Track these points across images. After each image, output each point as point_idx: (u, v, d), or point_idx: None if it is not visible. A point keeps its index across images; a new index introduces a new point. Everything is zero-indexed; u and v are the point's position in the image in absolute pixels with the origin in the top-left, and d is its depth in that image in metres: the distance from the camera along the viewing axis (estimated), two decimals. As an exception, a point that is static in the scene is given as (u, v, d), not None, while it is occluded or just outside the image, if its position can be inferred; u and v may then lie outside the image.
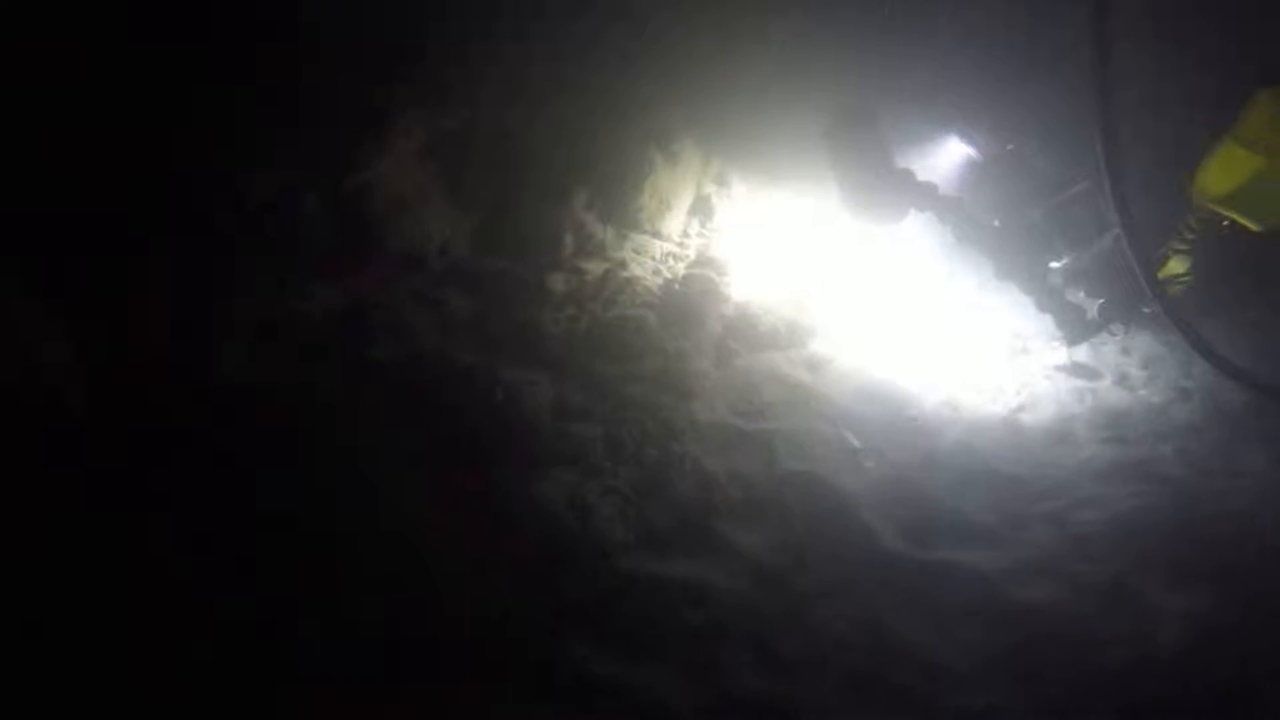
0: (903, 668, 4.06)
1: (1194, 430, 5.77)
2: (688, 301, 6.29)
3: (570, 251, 6.55)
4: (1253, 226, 5.21)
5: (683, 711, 3.79)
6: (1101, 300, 6.06)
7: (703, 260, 7.00)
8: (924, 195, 6.03)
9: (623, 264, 6.61)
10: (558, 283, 6.17)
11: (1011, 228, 5.83)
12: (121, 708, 2.99)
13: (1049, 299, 6.01)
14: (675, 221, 7.38)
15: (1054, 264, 6.05)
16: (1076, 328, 6.05)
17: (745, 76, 7.37)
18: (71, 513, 3.50)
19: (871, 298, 7.18)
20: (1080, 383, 6.43)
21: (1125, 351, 6.61)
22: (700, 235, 7.45)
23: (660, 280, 6.66)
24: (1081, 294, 6.23)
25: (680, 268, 6.96)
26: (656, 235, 7.20)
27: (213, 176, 4.74)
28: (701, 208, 7.65)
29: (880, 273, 7.32)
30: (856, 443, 5.61)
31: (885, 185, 6.01)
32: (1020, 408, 6.22)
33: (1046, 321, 6.59)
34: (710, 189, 7.89)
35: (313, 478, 4.27)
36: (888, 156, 6.09)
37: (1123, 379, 6.39)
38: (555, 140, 7.04)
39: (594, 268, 6.45)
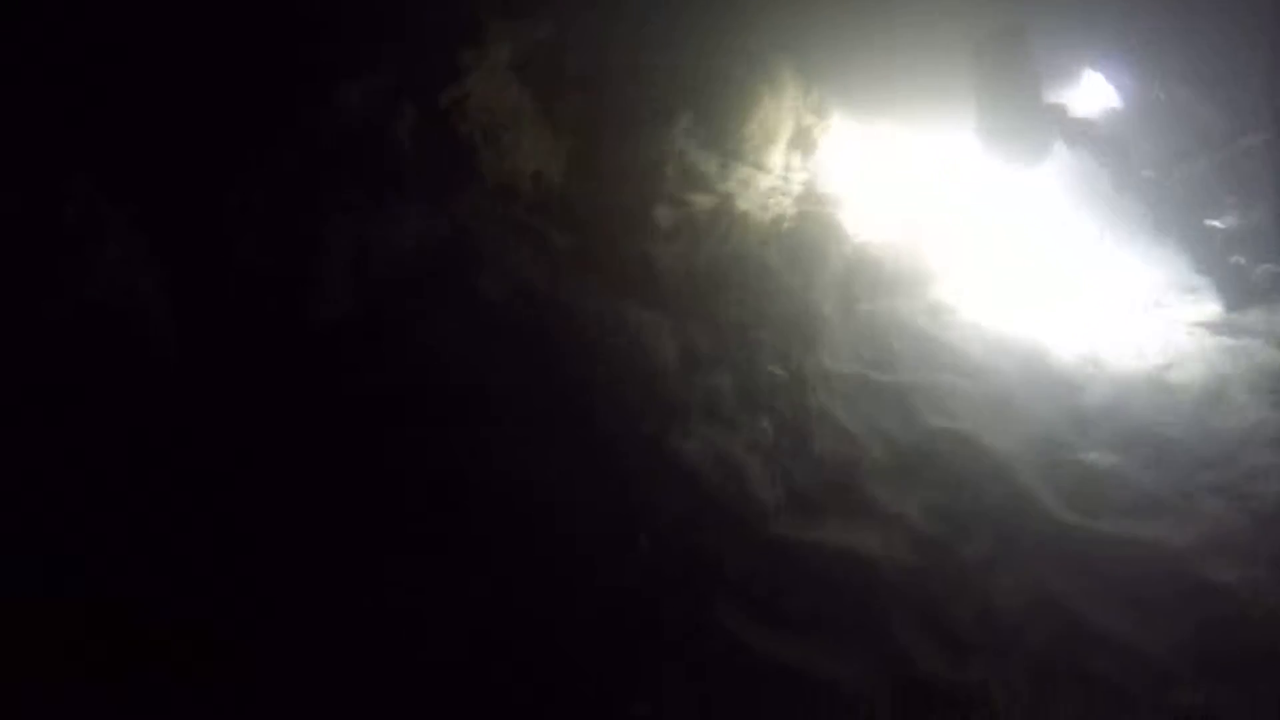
0: (1096, 654, 3.62)
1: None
2: (804, 241, 5.76)
3: (674, 183, 5.98)
4: None
5: (857, 693, 3.39)
6: (1271, 266, 5.45)
7: (811, 196, 6.43)
8: (1081, 132, 5.41)
9: (730, 198, 6.04)
10: (664, 217, 5.62)
11: (1174, 179, 5.27)
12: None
13: (1211, 259, 5.44)
14: (777, 154, 6.78)
15: (1215, 223, 5.45)
16: (1238, 293, 5.48)
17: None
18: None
19: (993, 241, 6.62)
20: (1228, 340, 5.88)
21: (1274, 309, 6.06)
22: (803, 170, 6.85)
23: (770, 216, 6.10)
24: (1242, 259, 5.62)
25: (788, 204, 6.39)
26: (760, 168, 6.61)
27: (313, 88, 4.21)
28: (801, 140, 7.03)
29: (1001, 215, 6.75)
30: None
31: (1037, 115, 5.39)
32: (1166, 365, 5.69)
33: (1186, 277, 6.04)
34: (810, 120, 7.26)
35: (427, 433, 3.80)
36: (1039, 84, 5.46)
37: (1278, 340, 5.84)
38: (653, 60, 6.45)
39: (702, 201, 5.89)
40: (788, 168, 6.83)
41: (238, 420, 3.61)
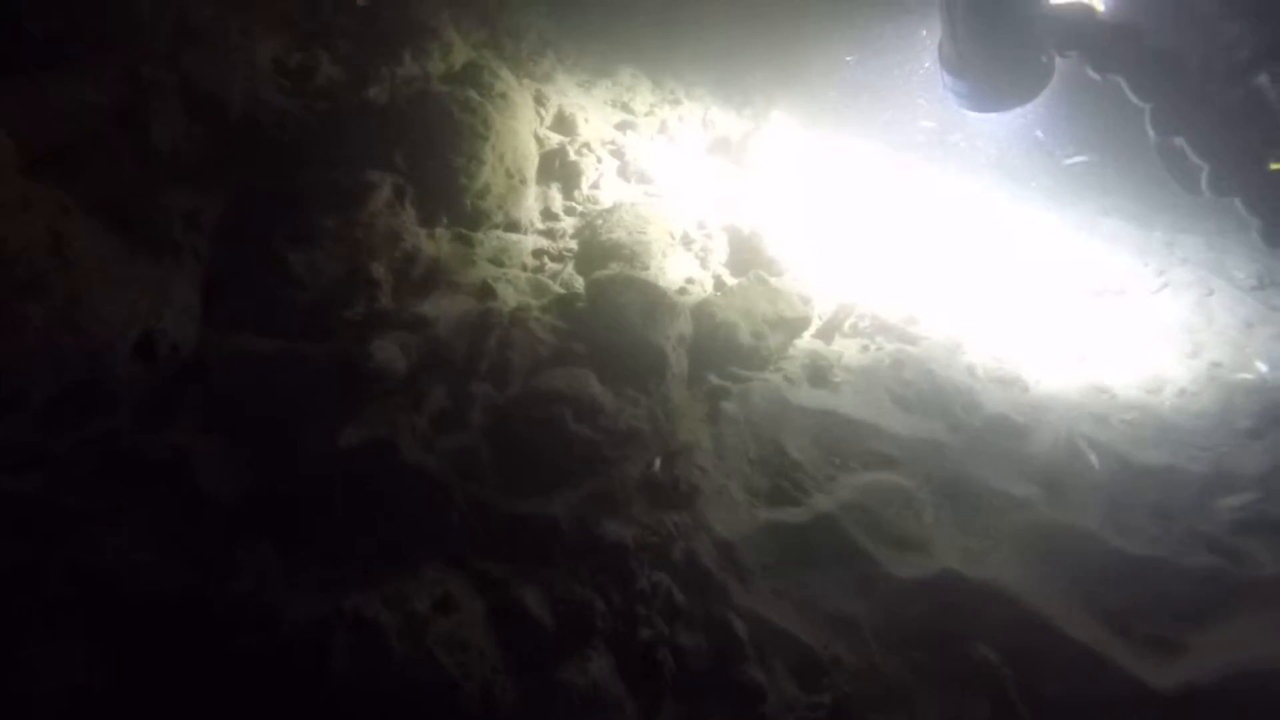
0: None
1: None
2: (611, 322, 3.75)
3: (393, 291, 3.78)
4: None
5: None
6: None
7: (597, 250, 4.46)
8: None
9: (488, 291, 3.93)
10: (390, 358, 3.41)
11: (1226, 97, 3.50)
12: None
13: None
14: (530, 199, 4.75)
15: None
16: None
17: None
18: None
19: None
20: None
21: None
22: (571, 213, 4.87)
23: (550, 299, 4.04)
24: None
25: (568, 270, 4.39)
26: (512, 227, 4.56)
27: None
28: (555, 168, 5.06)
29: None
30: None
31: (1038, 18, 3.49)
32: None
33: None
34: (554, 137, 5.31)
35: None
36: None
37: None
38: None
39: (447, 307, 3.72)
40: (548, 213, 4.82)
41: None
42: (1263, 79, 3.20)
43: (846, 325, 4.62)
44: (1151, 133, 3.42)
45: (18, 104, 3.46)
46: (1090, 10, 3.39)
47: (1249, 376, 4.60)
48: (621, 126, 5.81)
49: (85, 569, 2.65)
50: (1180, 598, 3.37)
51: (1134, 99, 3.42)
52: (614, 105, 6.23)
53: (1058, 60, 3.53)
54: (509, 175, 4.49)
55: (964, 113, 3.98)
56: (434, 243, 4.10)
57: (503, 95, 4.75)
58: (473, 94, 4.55)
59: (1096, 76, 3.44)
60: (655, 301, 3.80)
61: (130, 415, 3.20)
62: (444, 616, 2.48)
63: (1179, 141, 3.36)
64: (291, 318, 3.70)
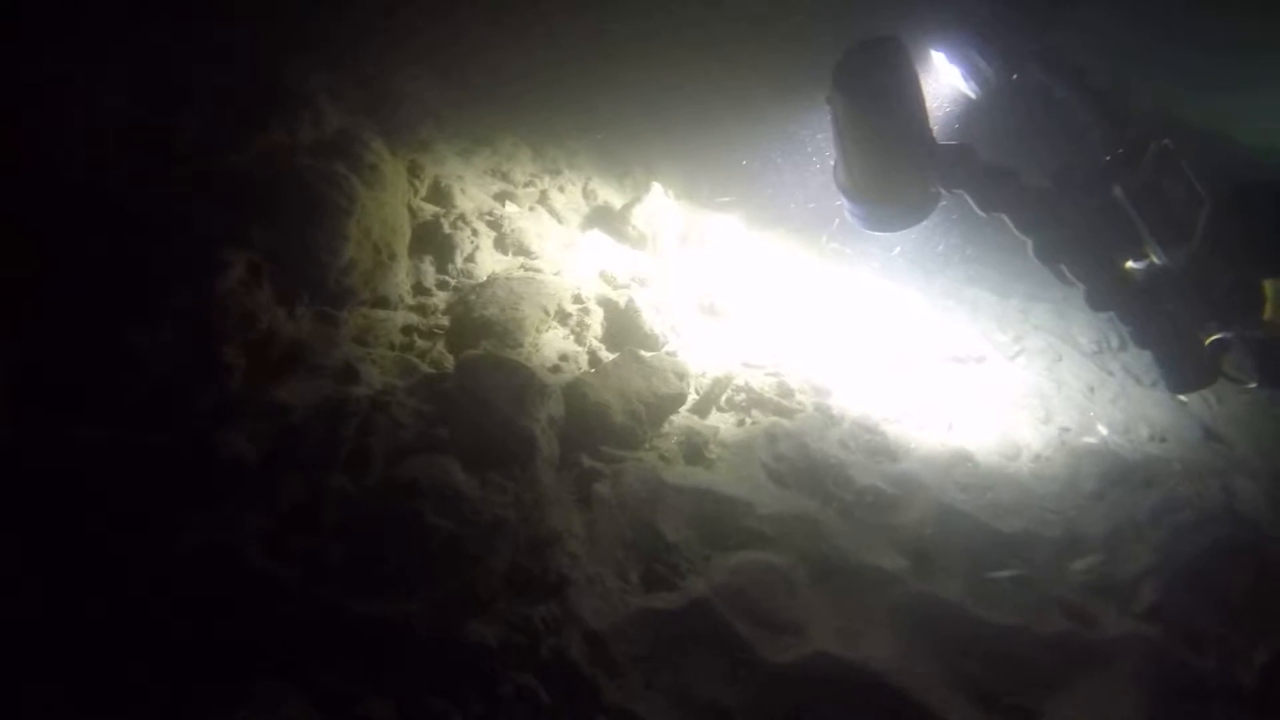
0: None
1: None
2: (490, 415, 3.64)
3: (247, 377, 3.56)
4: None
5: None
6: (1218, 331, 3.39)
7: (469, 327, 4.36)
8: (966, 170, 3.71)
9: (350, 371, 3.76)
10: (239, 450, 3.19)
11: (1081, 213, 3.68)
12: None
13: (1150, 323, 3.50)
14: (398, 274, 4.62)
15: (1132, 264, 3.65)
16: (1190, 370, 3.46)
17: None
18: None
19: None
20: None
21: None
22: (445, 287, 4.76)
23: (415, 379, 3.90)
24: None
25: (438, 348, 4.26)
26: (380, 304, 4.40)
27: None
28: (431, 240, 4.96)
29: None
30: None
31: (921, 158, 3.65)
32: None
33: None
34: (429, 208, 5.22)
35: None
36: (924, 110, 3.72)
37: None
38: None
39: (304, 394, 3.53)
40: (419, 288, 4.70)
41: None
42: (1117, 190, 3.46)
43: (723, 399, 4.65)
44: (1036, 261, 3.64)
45: None
46: (972, 152, 3.61)
47: (1092, 440, 4.88)
48: (500, 196, 5.78)
49: None
50: (1037, 664, 3.48)
51: (1017, 234, 3.65)
52: (493, 174, 6.20)
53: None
54: (376, 250, 4.36)
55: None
56: (294, 323, 3.91)
57: (372, 167, 4.64)
58: (338, 166, 4.42)
59: (982, 214, 3.65)
60: (525, 383, 3.72)
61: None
62: (280, 745, 2.27)
63: (1061, 268, 3.59)
64: (130, 405, 3.44)
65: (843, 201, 4.03)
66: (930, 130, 3.58)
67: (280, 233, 4.02)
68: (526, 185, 6.14)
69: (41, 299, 3.58)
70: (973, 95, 4.28)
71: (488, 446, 3.48)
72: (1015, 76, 4.24)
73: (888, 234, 4.42)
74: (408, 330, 4.34)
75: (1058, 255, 3.63)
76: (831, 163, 4.04)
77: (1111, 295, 3.58)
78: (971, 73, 4.20)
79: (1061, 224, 3.66)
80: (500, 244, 5.27)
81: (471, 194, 5.57)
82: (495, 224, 5.36)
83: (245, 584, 2.77)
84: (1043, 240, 3.64)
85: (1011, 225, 3.69)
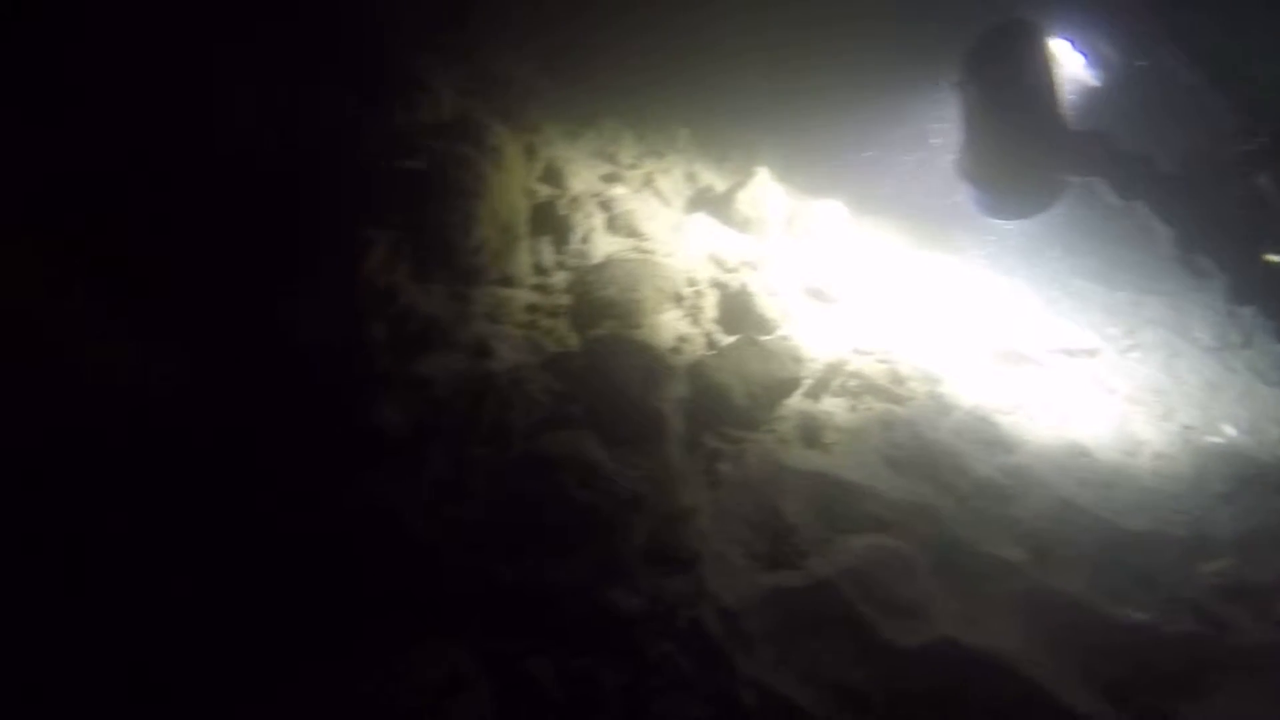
0: None
1: None
2: (622, 395, 3.75)
3: (390, 355, 3.74)
4: None
5: None
6: None
7: (590, 307, 4.47)
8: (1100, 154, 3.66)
9: (484, 349, 3.91)
10: (393, 424, 3.36)
11: (1224, 203, 3.60)
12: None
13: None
14: (523, 253, 4.75)
15: (1274, 257, 3.64)
16: None
17: None
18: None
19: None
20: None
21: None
22: (562, 267, 4.88)
23: (544, 357, 4.04)
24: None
25: (562, 326, 4.39)
26: (505, 282, 4.55)
27: None
28: (548, 221, 5.08)
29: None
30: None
31: (1056, 145, 3.62)
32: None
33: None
34: (544, 190, 5.34)
35: None
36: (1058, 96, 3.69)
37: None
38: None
39: (445, 366, 3.69)
40: (538, 269, 4.83)
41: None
42: (1262, 180, 3.36)
43: (835, 385, 4.68)
44: (1175, 251, 3.56)
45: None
46: (1108, 139, 3.55)
47: (1218, 440, 4.76)
48: (608, 178, 5.86)
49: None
50: (1168, 665, 3.44)
51: (1157, 223, 3.58)
52: (599, 156, 6.28)
53: None
54: (503, 231, 4.50)
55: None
56: (429, 300, 4.07)
57: (495, 149, 4.77)
58: (466, 149, 4.56)
59: (1118, 202, 3.60)
60: (653, 364, 3.82)
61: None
62: (454, 696, 2.42)
63: (1198, 258, 3.52)
64: (284, 374, 3.63)
65: (966, 187, 4.00)
66: (1065, 117, 3.53)
67: (415, 212, 4.19)
68: (632, 167, 6.20)
69: (206, 276, 3.80)
70: (1096, 83, 4.19)
71: (620, 424, 3.59)
72: (1141, 63, 4.14)
73: (1003, 221, 4.37)
74: (531, 309, 4.47)
75: (1199, 245, 3.56)
76: (953, 149, 4.02)
77: (1256, 288, 3.50)
78: (1096, 59, 4.11)
79: (1203, 214, 3.58)
80: (611, 226, 5.36)
81: (582, 176, 5.67)
82: (605, 205, 5.45)
83: (405, 547, 2.93)
84: (1184, 230, 3.57)
85: (1151, 214, 3.62)
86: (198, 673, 2.40)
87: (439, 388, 3.59)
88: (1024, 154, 3.61)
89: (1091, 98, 4.19)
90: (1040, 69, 3.44)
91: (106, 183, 3.69)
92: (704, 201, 6.11)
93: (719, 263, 5.31)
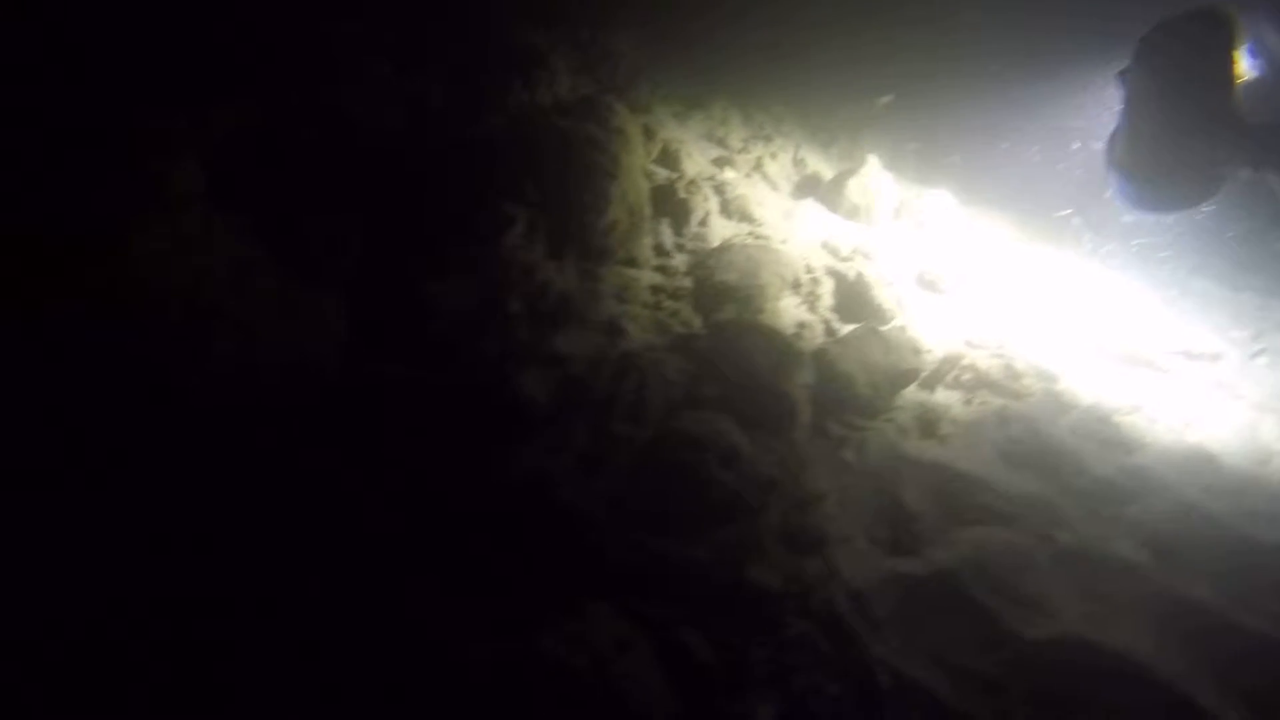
0: None
1: None
2: (753, 378, 3.84)
3: (527, 329, 3.89)
4: None
5: None
6: None
7: (711, 291, 4.56)
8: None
9: (617, 328, 4.04)
10: (538, 390, 3.51)
11: None
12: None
13: None
14: (646, 236, 4.86)
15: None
16: None
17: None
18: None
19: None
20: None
21: None
22: (681, 250, 4.98)
23: (671, 338, 4.15)
24: None
25: (685, 309, 4.49)
26: (630, 263, 4.66)
27: None
28: (666, 203, 5.17)
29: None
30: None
31: (1231, 139, 3.55)
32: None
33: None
34: (661, 172, 5.42)
35: None
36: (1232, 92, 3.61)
37: None
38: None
39: (580, 343, 3.83)
40: (659, 250, 4.93)
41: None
42: None
43: (950, 377, 4.69)
44: None
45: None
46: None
47: (1357, 454, 4.62)
48: (719, 162, 5.92)
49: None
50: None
51: None
52: (709, 139, 6.34)
53: None
54: (630, 213, 4.61)
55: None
56: (563, 278, 4.20)
57: (620, 130, 4.86)
58: (593, 129, 4.66)
59: None
60: (783, 349, 3.90)
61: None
62: (621, 656, 2.57)
63: None
64: (427, 347, 3.81)
65: (1113, 178, 3.93)
66: (1240, 111, 3.45)
67: (553, 192, 4.31)
68: (741, 151, 6.24)
69: (354, 251, 3.98)
70: (1258, 74, 4.06)
71: (753, 407, 3.68)
72: None
73: (1149, 214, 4.28)
74: (655, 290, 4.58)
75: None
76: (1101, 139, 3.95)
77: None
78: (1259, 49, 3.98)
79: None
80: (725, 210, 5.42)
81: (694, 159, 5.73)
82: (719, 189, 5.51)
83: (558, 515, 3.08)
84: None
85: None
86: (407, 625, 2.60)
87: (576, 365, 3.73)
88: (1187, 146, 3.53)
89: (1249, 90, 4.08)
90: (1219, 62, 3.35)
91: (270, 165, 3.89)
92: (810, 187, 6.12)
93: (832, 250, 5.33)
